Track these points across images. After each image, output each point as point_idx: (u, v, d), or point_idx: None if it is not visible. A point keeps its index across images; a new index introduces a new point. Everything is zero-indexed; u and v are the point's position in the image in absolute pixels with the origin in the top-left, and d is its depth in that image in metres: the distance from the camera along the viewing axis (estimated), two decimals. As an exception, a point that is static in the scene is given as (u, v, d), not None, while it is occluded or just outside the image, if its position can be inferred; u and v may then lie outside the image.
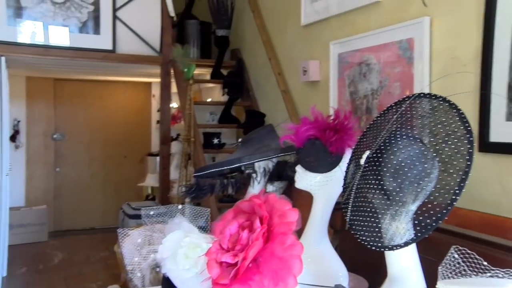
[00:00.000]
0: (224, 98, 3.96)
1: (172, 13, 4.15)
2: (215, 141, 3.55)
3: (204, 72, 4.53)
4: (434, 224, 0.90)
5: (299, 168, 1.39)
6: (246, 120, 3.51)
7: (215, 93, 4.59)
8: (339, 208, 1.43)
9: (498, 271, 0.73)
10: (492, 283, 0.70)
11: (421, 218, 0.92)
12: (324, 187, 1.36)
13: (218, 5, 3.95)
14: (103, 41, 4.02)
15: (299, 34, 3.13)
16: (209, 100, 4.60)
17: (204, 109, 4.23)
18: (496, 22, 1.75)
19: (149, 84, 6.49)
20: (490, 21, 1.77)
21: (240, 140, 1.78)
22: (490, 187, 1.75)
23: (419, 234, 0.93)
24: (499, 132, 1.73)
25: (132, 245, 1.66)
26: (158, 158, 5.18)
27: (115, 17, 4.05)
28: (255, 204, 0.77)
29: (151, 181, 5.68)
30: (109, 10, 4.04)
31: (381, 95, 2.35)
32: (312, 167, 1.35)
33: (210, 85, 4.66)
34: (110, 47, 4.03)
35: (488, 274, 0.74)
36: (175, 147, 4.56)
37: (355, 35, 2.52)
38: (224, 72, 4.06)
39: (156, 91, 6.28)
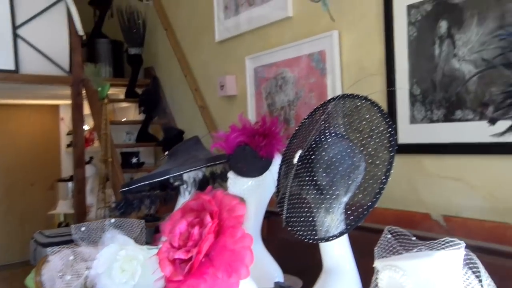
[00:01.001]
0: (140, 117, 3.90)
1: (80, 31, 4.03)
2: (134, 160, 3.49)
3: (117, 92, 4.44)
4: (366, 212, 0.98)
5: (231, 174, 1.43)
6: (164, 137, 3.49)
7: (130, 112, 4.50)
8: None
9: (423, 245, 0.82)
10: (420, 255, 0.79)
11: (353, 208, 1.00)
12: (255, 191, 1.41)
13: (129, 24, 3.92)
14: (2, 61, 3.80)
15: (214, 50, 3.19)
16: (124, 119, 4.51)
17: (120, 128, 4.13)
18: (395, 36, 1.94)
19: (56, 107, 6.21)
20: (389, 34, 1.95)
21: (166, 153, 1.78)
22: (400, 185, 1.90)
23: (353, 223, 1.00)
24: (405, 134, 1.89)
25: (53, 271, 1.59)
26: (70, 184, 4.93)
27: (15, 35, 3.85)
28: (205, 200, 0.79)
29: (63, 207, 5.40)
30: (8, 28, 3.83)
31: (297, 105, 2.47)
32: (244, 172, 1.40)
33: (125, 104, 4.57)
34: (12, 67, 3.82)
35: (415, 250, 0.83)
36: (88, 170, 4.40)
37: (269, 50, 2.63)
38: (139, 90, 4.01)
39: (64, 114, 6.01)
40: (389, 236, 0.85)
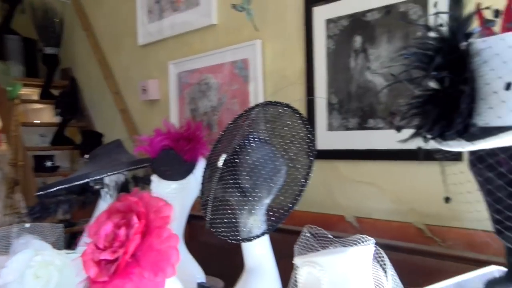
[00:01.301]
0: (57, 119, 3.74)
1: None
2: (48, 164, 3.33)
3: (31, 92, 4.22)
4: (286, 213, 1.04)
5: (154, 178, 1.43)
6: (83, 141, 3.37)
7: (45, 114, 4.29)
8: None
9: (337, 242, 0.88)
10: (336, 251, 0.85)
11: (275, 210, 1.05)
12: (179, 194, 1.42)
13: (45, 21, 3.75)
14: None
15: (136, 53, 3.15)
16: (38, 121, 4.29)
17: (33, 131, 3.93)
18: (314, 48, 2.04)
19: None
20: (309, 46, 2.06)
21: (86, 156, 1.74)
22: (317, 189, 2.00)
23: (274, 224, 1.05)
24: (323, 140, 2.00)
25: None
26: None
27: None
28: (132, 201, 0.80)
29: (-35, 215, 4.99)
30: None
31: (220, 111, 2.51)
32: (168, 176, 1.41)
33: (39, 105, 4.35)
34: None
35: (331, 247, 0.89)
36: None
37: (193, 55, 2.65)
38: (55, 92, 3.84)
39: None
40: (308, 234, 0.91)
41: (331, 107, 1.98)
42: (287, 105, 1.15)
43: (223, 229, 1.10)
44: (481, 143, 0.67)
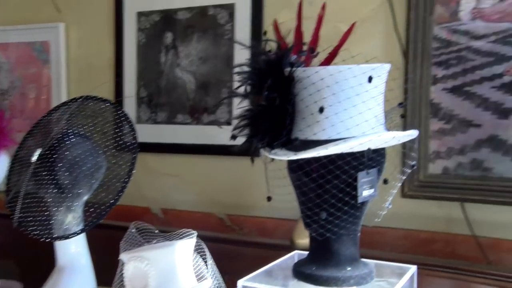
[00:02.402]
0: None
1: None
2: None
3: None
4: (108, 209, 1.04)
5: None
6: None
7: None
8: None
9: (162, 236, 0.94)
10: (162, 245, 0.91)
11: (96, 206, 1.05)
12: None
13: None
14: None
15: None
16: None
17: None
18: (125, 38, 2.03)
19: None
20: (119, 36, 2.03)
21: None
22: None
23: (95, 220, 1.05)
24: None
25: None
26: None
27: None
28: None
29: None
30: None
31: (13, 95, 2.28)
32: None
33: None
34: None
35: (155, 241, 0.94)
36: None
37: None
38: None
39: None
40: (134, 230, 0.94)
41: (140, 100, 2.00)
42: (109, 101, 1.14)
43: (35, 228, 1.05)
44: (302, 154, 0.80)
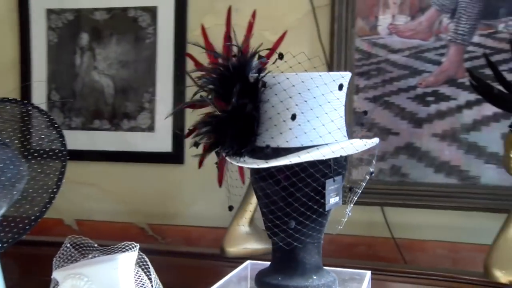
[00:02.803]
0: None
1: None
2: None
3: None
4: (33, 223, 0.94)
5: None
6: None
7: None
8: None
9: (100, 250, 0.87)
10: (104, 260, 0.84)
11: (18, 220, 0.94)
12: None
13: None
14: None
15: None
16: None
17: None
18: (32, 37, 1.87)
19: None
20: (25, 34, 1.87)
21: None
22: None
23: (16, 236, 0.94)
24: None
25: None
26: None
27: None
28: None
29: None
30: None
31: None
32: None
33: None
34: None
35: (90, 256, 0.87)
36: None
37: None
38: None
39: None
40: (69, 245, 0.86)
41: (51, 104, 1.86)
42: (32, 105, 1.04)
43: None
44: (273, 162, 0.78)
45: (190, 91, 1.67)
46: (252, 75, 0.82)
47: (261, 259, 1.45)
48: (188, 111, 1.70)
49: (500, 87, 1.28)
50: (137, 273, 0.86)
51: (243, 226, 1.46)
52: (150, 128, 1.79)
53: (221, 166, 1.10)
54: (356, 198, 0.89)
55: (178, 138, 1.74)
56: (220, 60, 0.85)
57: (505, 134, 1.45)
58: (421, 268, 1.43)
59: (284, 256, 0.89)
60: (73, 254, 0.86)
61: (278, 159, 0.78)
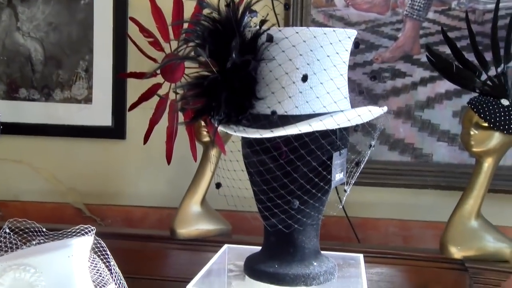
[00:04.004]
0: None
1: None
2: None
3: None
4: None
5: None
6: None
7: None
8: None
9: (50, 234, 0.74)
10: (55, 247, 0.70)
11: None
12: None
13: None
14: None
15: None
16: None
17: None
18: None
19: None
20: None
21: None
22: None
23: None
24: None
25: None
26: None
27: None
28: None
29: None
30: None
31: None
32: None
33: None
34: None
35: (35, 242, 0.74)
36: None
37: None
38: None
39: None
40: (8, 230, 0.72)
41: (-36, 70, 1.63)
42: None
43: None
44: (279, 131, 0.67)
45: (133, 59, 1.56)
46: (250, 29, 0.71)
47: (220, 241, 1.37)
48: (131, 82, 1.55)
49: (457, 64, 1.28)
50: (93, 261, 0.74)
51: (194, 205, 1.37)
52: (87, 100, 1.62)
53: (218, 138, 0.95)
54: (357, 174, 0.81)
55: (118, 111, 1.59)
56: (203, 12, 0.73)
57: (457, 112, 1.47)
58: (377, 247, 1.41)
59: (281, 241, 0.79)
60: (14, 242, 0.72)
61: (285, 128, 0.67)
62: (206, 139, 1.35)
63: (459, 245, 1.28)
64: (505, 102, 1.24)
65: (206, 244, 1.38)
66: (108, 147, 1.62)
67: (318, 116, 0.69)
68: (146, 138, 1.40)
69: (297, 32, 0.69)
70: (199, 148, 1.38)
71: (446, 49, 1.36)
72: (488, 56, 1.27)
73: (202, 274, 0.84)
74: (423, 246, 1.46)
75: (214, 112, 0.69)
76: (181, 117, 1.21)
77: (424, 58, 1.44)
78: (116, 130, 1.60)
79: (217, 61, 0.68)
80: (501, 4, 1.29)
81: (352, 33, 0.73)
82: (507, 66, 1.26)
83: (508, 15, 1.35)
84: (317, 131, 0.69)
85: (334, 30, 0.71)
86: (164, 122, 1.30)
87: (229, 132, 0.71)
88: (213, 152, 1.38)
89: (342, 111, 0.70)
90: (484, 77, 1.27)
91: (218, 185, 0.80)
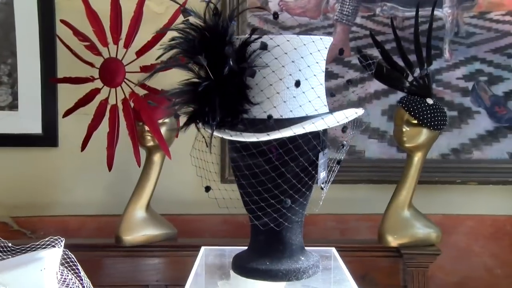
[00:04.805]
0: None
1: None
2: None
3: None
4: None
5: None
6: None
7: None
8: None
9: (13, 248, 0.69)
10: (22, 261, 0.65)
11: None
12: None
13: None
14: None
15: None
16: None
17: None
18: None
19: None
20: None
21: None
22: None
23: None
24: None
25: None
26: None
27: None
28: None
29: None
30: None
31: None
32: None
33: None
34: None
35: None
36: None
37: None
38: None
39: None
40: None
41: None
42: None
43: None
44: (275, 134, 0.69)
45: (63, 63, 1.48)
46: (238, 37, 0.72)
47: (167, 246, 1.35)
48: (62, 87, 1.48)
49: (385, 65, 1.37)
50: (62, 274, 0.71)
51: (139, 211, 1.34)
52: (12, 107, 1.52)
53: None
54: (335, 173, 0.85)
55: (49, 118, 1.51)
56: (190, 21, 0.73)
57: (385, 110, 1.57)
58: (317, 241, 1.47)
59: (270, 239, 0.82)
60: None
61: (281, 131, 0.69)
62: (150, 143, 1.33)
63: (395, 234, 1.37)
64: (429, 101, 1.35)
65: (152, 250, 1.36)
66: (39, 155, 1.53)
67: (310, 118, 0.72)
68: (84, 145, 1.34)
69: (288, 40, 0.72)
70: (143, 153, 1.35)
71: (374, 52, 1.46)
72: (412, 58, 1.38)
73: (192, 278, 0.84)
74: (359, 238, 1.54)
75: (209, 117, 0.69)
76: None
77: (354, 60, 1.53)
78: (46, 138, 1.52)
79: (208, 68, 0.69)
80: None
81: (330, 41, 0.79)
82: (429, 68, 1.38)
83: (425, 22, 1.48)
84: (309, 133, 0.72)
85: (321, 38, 0.76)
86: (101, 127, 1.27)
87: (225, 136, 0.72)
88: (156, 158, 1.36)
89: (331, 113, 0.76)
90: (410, 78, 1.37)
91: (208, 189, 0.81)
